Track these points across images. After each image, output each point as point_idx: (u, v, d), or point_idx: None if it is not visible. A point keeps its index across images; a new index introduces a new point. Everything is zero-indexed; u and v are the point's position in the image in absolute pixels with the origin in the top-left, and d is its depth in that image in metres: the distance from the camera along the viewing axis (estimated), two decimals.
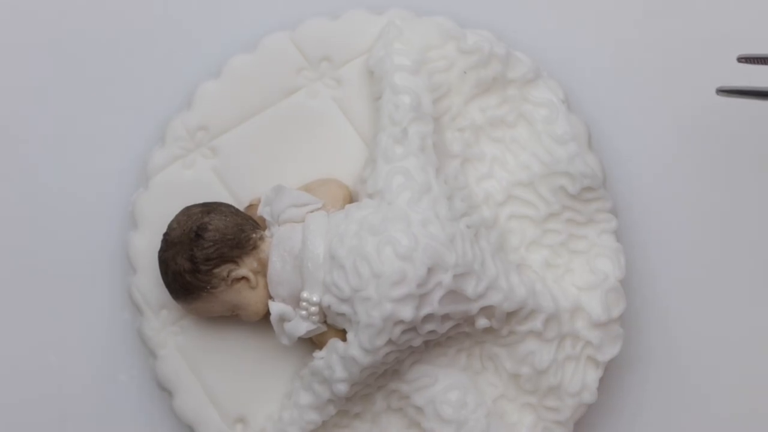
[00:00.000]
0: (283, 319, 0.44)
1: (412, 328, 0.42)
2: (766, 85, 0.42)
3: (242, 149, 0.47)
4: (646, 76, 0.49)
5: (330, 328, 0.44)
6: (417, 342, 0.43)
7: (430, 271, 0.42)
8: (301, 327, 0.43)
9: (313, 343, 0.45)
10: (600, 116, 0.49)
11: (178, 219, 0.45)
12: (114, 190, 0.48)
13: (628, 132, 0.49)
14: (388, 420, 0.46)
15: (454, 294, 0.42)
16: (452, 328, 0.44)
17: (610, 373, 0.47)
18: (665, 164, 0.49)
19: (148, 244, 0.46)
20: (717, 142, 0.49)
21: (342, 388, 0.43)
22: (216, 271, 0.44)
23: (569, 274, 0.46)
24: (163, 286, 0.45)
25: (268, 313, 0.44)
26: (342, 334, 0.43)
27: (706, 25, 0.49)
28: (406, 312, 0.42)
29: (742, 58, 0.43)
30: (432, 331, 0.43)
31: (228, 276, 0.44)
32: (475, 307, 0.43)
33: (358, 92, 0.47)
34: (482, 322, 0.44)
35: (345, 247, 0.43)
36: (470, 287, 0.43)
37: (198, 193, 0.46)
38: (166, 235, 0.45)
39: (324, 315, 0.44)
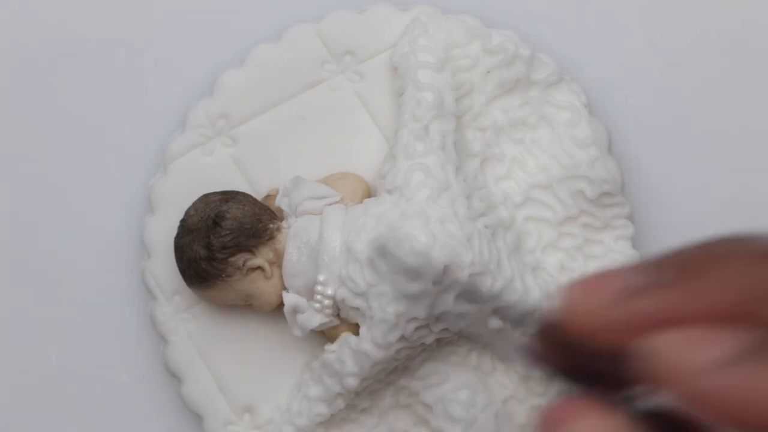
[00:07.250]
0: (296, 310, 0.44)
1: (425, 325, 0.42)
2: None
3: (262, 139, 0.47)
4: (668, 84, 0.49)
5: (343, 321, 0.44)
6: (429, 339, 0.43)
7: (447, 268, 0.42)
8: (314, 319, 0.43)
9: (325, 336, 0.45)
10: (619, 122, 0.49)
11: (195, 206, 0.45)
12: (132, 176, 0.48)
13: (646, 139, 0.49)
14: (396, 416, 0.46)
15: (469, 293, 0.42)
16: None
17: None
18: (683, 172, 0.49)
19: (164, 229, 0.46)
20: (737, 152, 0.49)
21: (352, 382, 0.43)
22: (232, 259, 0.44)
23: None
24: (177, 272, 0.45)
25: (281, 304, 0.44)
26: (355, 328, 0.43)
27: (735, 35, 0.49)
28: (420, 309, 0.42)
29: None
30: (445, 329, 0.43)
31: (243, 265, 0.44)
32: (489, 307, 0.43)
33: (380, 87, 0.47)
34: (495, 323, 0.44)
35: (362, 242, 0.42)
36: (485, 287, 0.43)
37: (216, 181, 0.46)
38: (183, 221, 0.45)
39: (337, 308, 0.43)
